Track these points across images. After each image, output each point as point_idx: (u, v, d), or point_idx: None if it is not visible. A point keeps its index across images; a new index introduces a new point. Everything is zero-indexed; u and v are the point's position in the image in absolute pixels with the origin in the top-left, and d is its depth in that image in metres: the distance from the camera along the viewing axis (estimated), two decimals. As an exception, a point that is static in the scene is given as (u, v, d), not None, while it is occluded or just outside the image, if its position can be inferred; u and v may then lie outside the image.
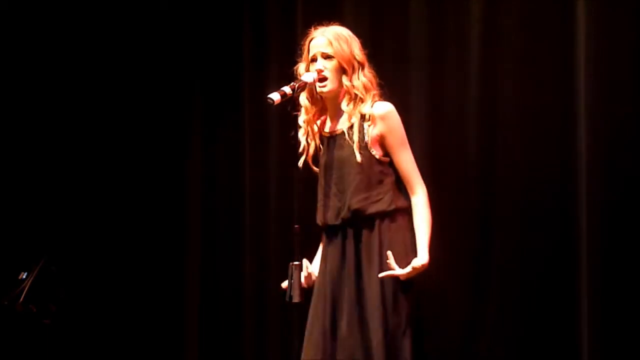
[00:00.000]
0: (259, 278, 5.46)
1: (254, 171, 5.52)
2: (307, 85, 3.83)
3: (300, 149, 3.91)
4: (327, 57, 3.86)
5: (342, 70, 3.85)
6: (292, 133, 3.92)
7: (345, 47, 3.86)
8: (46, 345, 5.20)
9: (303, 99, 3.91)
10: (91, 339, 5.75)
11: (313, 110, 3.93)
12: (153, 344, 5.74)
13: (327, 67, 3.85)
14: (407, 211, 3.83)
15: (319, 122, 3.96)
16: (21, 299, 5.04)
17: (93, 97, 5.88)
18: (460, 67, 4.82)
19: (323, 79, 3.84)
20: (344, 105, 3.86)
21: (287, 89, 3.72)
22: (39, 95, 5.88)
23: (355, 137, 3.80)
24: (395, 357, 3.70)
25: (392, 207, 3.79)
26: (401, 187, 3.84)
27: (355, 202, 3.78)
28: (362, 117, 3.83)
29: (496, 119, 4.74)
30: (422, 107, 4.87)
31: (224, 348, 5.59)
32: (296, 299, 3.63)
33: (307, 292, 3.83)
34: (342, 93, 3.88)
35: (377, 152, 3.82)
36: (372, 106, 3.83)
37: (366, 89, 3.85)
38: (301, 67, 3.94)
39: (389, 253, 3.71)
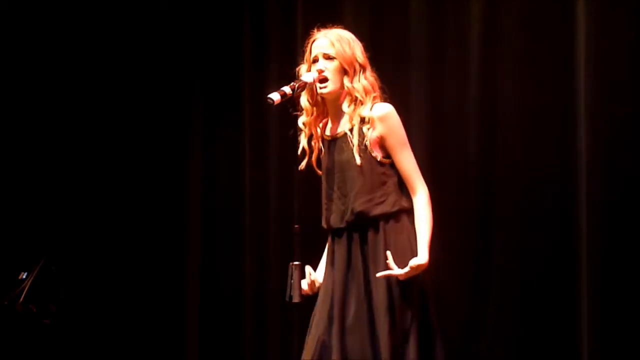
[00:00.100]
0: (259, 278, 5.46)
1: (254, 171, 5.52)
2: (307, 85, 3.79)
3: (300, 151, 3.90)
4: (328, 58, 3.83)
5: (343, 72, 3.82)
6: (292, 132, 3.90)
7: (347, 48, 3.82)
8: (46, 345, 5.20)
9: (304, 100, 3.87)
10: (91, 339, 5.75)
11: (314, 112, 3.92)
12: (153, 344, 5.73)
13: (328, 68, 3.81)
14: (411, 211, 3.80)
15: (320, 124, 3.95)
16: (21, 299, 5.04)
17: (93, 97, 5.88)
18: (460, 67, 4.82)
19: (324, 80, 3.81)
20: (344, 107, 3.84)
21: (287, 89, 3.69)
22: (40, 95, 5.88)
23: (355, 140, 3.77)
24: (402, 359, 3.69)
25: (396, 208, 3.77)
26: (404, 188, 3.81)
27: (358, 205, 3.76)
28: (362, 120, 3.80)
29: (496, 119, 4.74)
30: (422, 107, 4.87)
31: (224, 348, 5.59)
32: (296, 299, 3.62)
33: (310, 297, 3.83)
34: (342, 95, 3.85)
35: (378, 154, 3.80)
36: (371, 109, 3.81)
37: (366, 92, 3.82)
38: (303, 68, 3.91)
39: (388, 253, 3.70)
